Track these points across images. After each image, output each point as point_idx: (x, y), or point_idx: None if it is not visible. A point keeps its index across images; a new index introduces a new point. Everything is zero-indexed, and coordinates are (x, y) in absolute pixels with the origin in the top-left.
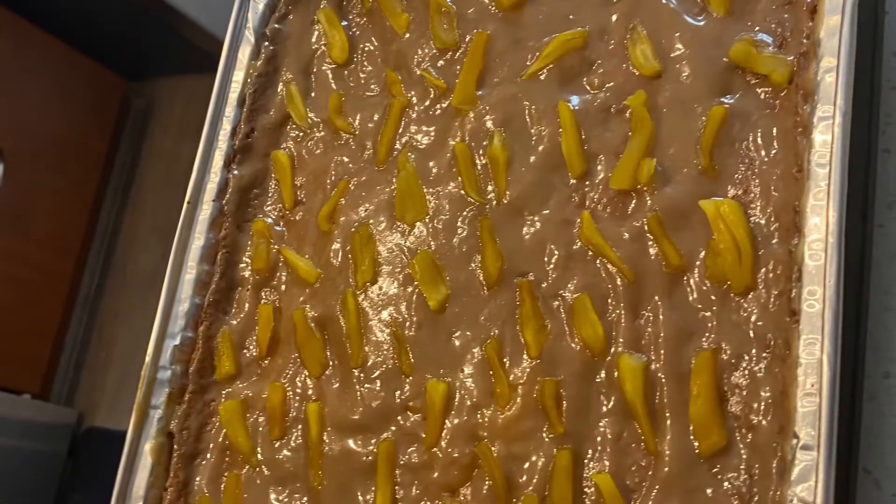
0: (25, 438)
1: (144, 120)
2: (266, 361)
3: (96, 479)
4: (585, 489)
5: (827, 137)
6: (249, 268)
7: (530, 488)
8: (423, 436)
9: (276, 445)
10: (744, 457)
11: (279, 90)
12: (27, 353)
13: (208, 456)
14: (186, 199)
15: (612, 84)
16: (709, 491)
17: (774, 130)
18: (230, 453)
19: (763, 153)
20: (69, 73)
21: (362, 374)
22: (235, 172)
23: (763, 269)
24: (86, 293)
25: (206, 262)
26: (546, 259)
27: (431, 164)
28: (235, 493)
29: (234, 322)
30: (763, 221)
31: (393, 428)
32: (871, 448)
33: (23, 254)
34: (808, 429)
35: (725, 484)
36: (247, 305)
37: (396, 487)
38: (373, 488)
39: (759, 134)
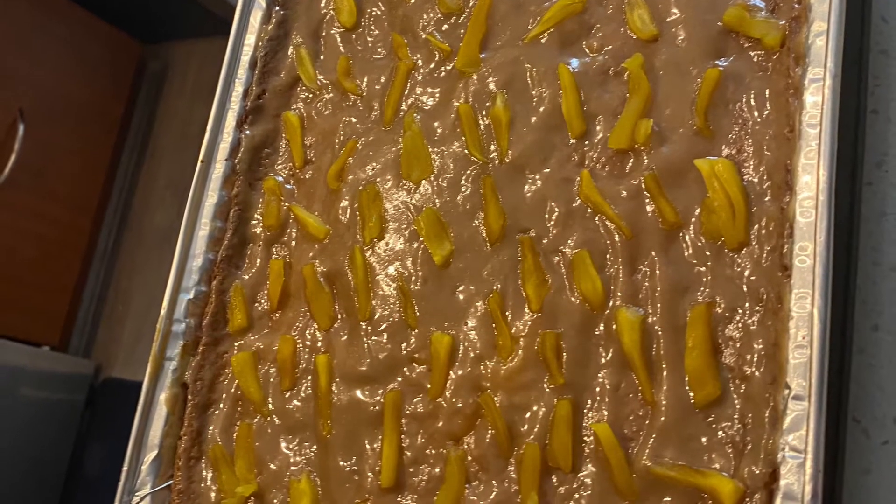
0: (44, 389)
1: (159, 82)
2: (277, 315)
3: (113, 429)
4: (585, 438)
5: (817, 99)
6: (261, 224)
7: (531, 437)
8: (429, 386)
9: (287, 396)
10: (737, 406)
11: (289, 53)
12: (46, 306)
13: (221, 406)
14: (200, 158)
15: (610, 47)
16: (703, 439)
17: (767, 92)
18: (242, 403)
19: (756, 114)
20: (87, 37)
21: (369, 327)
22: (247, 132)
23: (756, 226)
24: (103, 249)
25: (219, 218)
26: (547, 216)
27: (436, 124)
28: (247, 441)
29: (246, 277)
30: (756, 180)
31: (399, 379)
32: (859, 398)
33: (42, 211)
34: (799, 379)
35: (720, 433)
36: (258, 261)
37: (402, 436)
38: (379, 437)
39: (752, 95)
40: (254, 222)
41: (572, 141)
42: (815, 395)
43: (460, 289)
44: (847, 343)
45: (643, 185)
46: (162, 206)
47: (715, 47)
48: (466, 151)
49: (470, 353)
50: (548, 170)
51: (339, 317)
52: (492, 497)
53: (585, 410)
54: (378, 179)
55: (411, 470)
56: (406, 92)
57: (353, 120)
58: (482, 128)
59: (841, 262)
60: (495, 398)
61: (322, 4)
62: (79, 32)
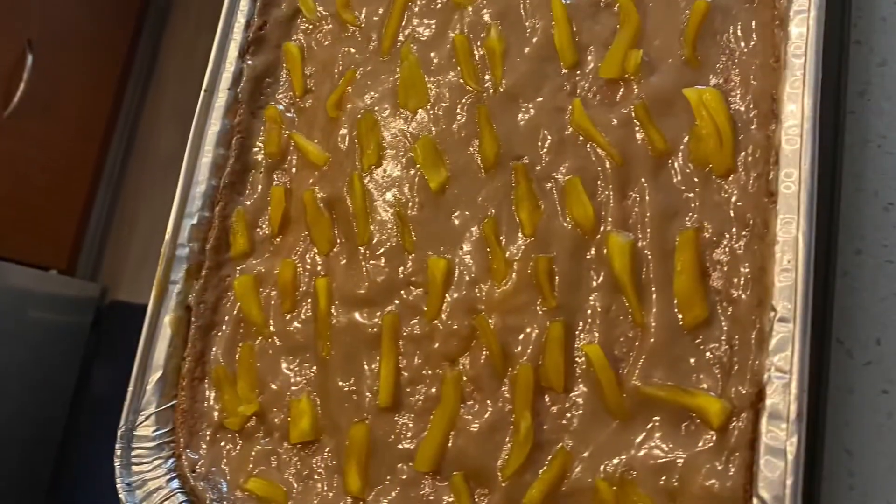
0: (52, 312)
1: (164, 13)
2: (278, 239)
3: (118, 350)
4: (577, 359)
5: (802, 30)
6: (262, 152)
7: (525, 358)
8: (425, 309)
9: (287, 318)
10: (724, 328)
11: None
12: (54, 231)
13: (224, 328)
14: (203, 87)
15: None
16: (692, 360)
17: (753, 23)
18: (244, 325)
19: (742, 44)
20: None
21: (368, 252)
22: (249, 62)
23: (742, 153)
24: (109, 175)
25: (222, 146)
26: (540, 143)
27: (432, 54)
28: (249, 362)
29: (248, 202)
30: (742, 108)
31: (396, 301)
32: (843, 320)
33: (50, 139)
34: (784, 302)
35: (707, 354)
36: (260, 187)
37: (399, 357)
38: (377, 358)
39: (738, 26)
40: (255, 150)
41: (564, 71)
42: (800, 317)
43: (456, 214)
44: (831, 266)
45: (633, 114)
46: (166, 133)
47: None
48: (462, 81)
49: (465, 276)
50: (541, 99)
51: (339, 241)
52: (486, 416)
53: (577, 332)
54: (376, 108)
55: (408, 390)
56: (403, 23)
57: (352, 50)
58: (477, 58)
59: (825, 189)
60: (490, 320)
61: None
62: None
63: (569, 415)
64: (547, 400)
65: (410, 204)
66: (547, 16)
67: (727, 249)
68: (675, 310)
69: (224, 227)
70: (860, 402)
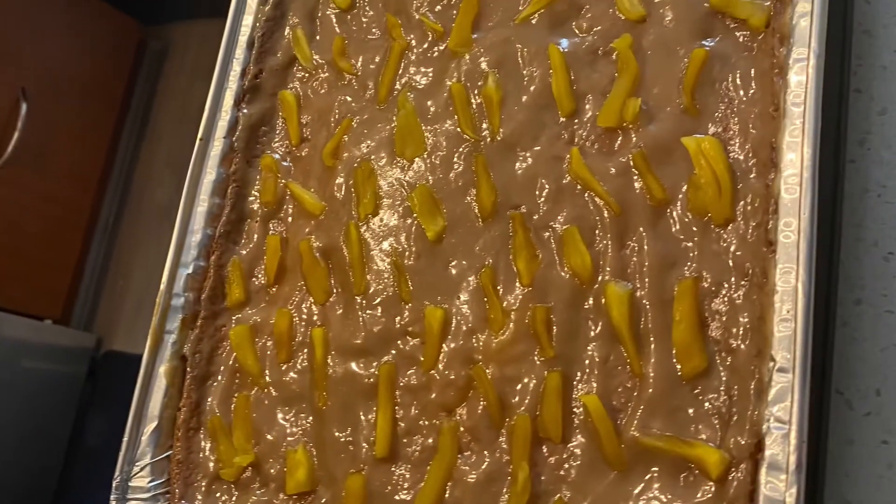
0: (47, 361)
1: (160, 61)
2: (274, 289)
3: (114, 400)
4: (574, 409)
5: (802, 78)
6: (258, 201)
7: (522, 408)
8: (422, 359)
9: (283, 368)
10: (723, 378)
11: (286, 34)
12: (49, 281)
13: (219, 378)
14: (199, 135)
15: (599, 28)
16: (690, 411)
17: (752, 71)
18: (240, 375)
19: (742, 93)
20: (89, 18)
21: (364, 301)
22: (245, 111)
23: (741, 202)
24: (104, 224)
25: (218, 195)
26: (537, 192)
27: (429, 102)
28: (245, 412)
29: (244, 252)
30: (742, 157)
31: (393, 351)
32: (842, 370)
33: (45, 188)
34: (784, 352)
35: (706, 404)
36: (256, 236)
37: (396, 407)
38: (374, 408)
39: (737, 75)
40: (251, 199)
41: (562, 119)
42: (800, 367)
43: (453, 263)
44: (831, 316)
45: (631, 163)
46: (162, 182)
47: (702, 28)
48: (459, 129)
49: (462, 326)
50: (538, 147)
51: (335, 291)
52: (484, 467)
53: (575, 382)
54: (372, 157)
55: (405, 440)
56: (400, 71)
57: (349, 99)
58: (474, 106)
59: (825, 238)
60: (487, 370)
61: None
62: (81, 13)
63: (567, 465)
64: (545, 450)
65: (407, 253)
66: (544, 64)
67: (726, 299)
68: (674, 360)
69: (220, 277)
70: (860, 452)
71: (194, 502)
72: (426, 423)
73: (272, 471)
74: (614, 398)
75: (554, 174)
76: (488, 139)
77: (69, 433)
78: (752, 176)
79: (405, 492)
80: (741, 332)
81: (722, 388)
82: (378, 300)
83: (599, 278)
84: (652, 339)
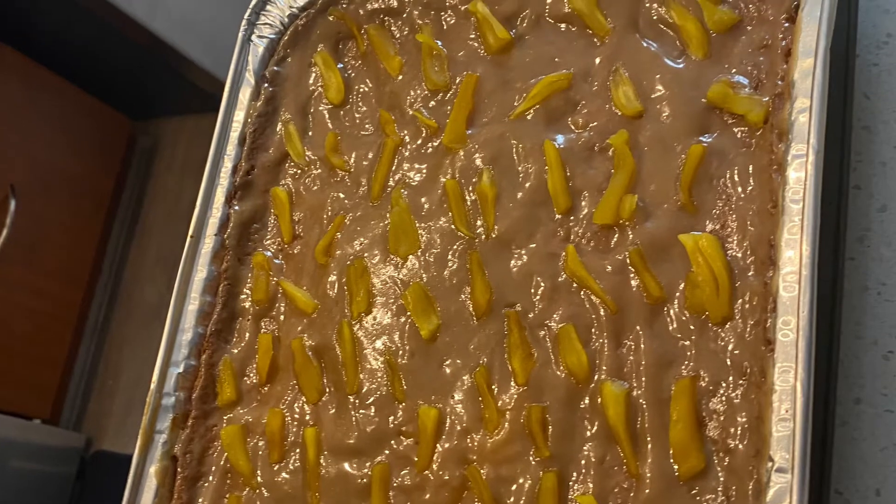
0: (36, 462)
1: (149, 157)
2: (265, 388)
3: (104, 501)
4: None
5: (800, 174)
6: (250, 299)
7: None
8: (416, 459)
9: (276, 468)
10: (721, 479)
11: (278, 129)
12: (38, 379)
13: (210, 478)
14: (190, 233)
15: (595, 124)
16: None
17: (750, 168)
18: (231, 476)
19: (740, 189)
20: (78, 113)
21: (357, 401)
22: (236, 208)
23: (739, 300)
24: (94, 322)
25: (209, 293)
26: (533, 290)
27: (423, 199)
28: None
29: (235, 351)
30: (740, 254)
31: (387, 451)
32: (842, 471)
33: (34, 285)
34: (782, 452)
35: None
36: (247, 335)
37: None
38: None
39: (735, 171)
40: (243, 297)
41: (558, 216)
42: (799, 467)
43: (447, 362)
44: (830, 416)
45: (628, 260)
46: (152, 280)
47: (699, 123)
48: (453, 227)
49: (457, 426)
50: (534, 245)
51: (328, 390)
52: None
53: (571, 483)
54: (366, 254)
55: None
56: (393, 168)
57: (341, 195)
58: (469, 203)
59: (824, 336)
60: (482, 471)
61: (310, 81)
62: (70, 108)
63: None
64: None
65: (401, 352)
66: (540, 160)
67: (724, 398)
68: (671, 460)
69: (211, 376)
70: None
71: None
72: None
73: None
74: (611, 499)
75: (549, 272)
76: (483, 236)
77: None
78: (750, 274)
79: None
80: (739, 432)
81: (720, 489)
82: (371, 399)
83: (595, 377)
84: (649, 438)
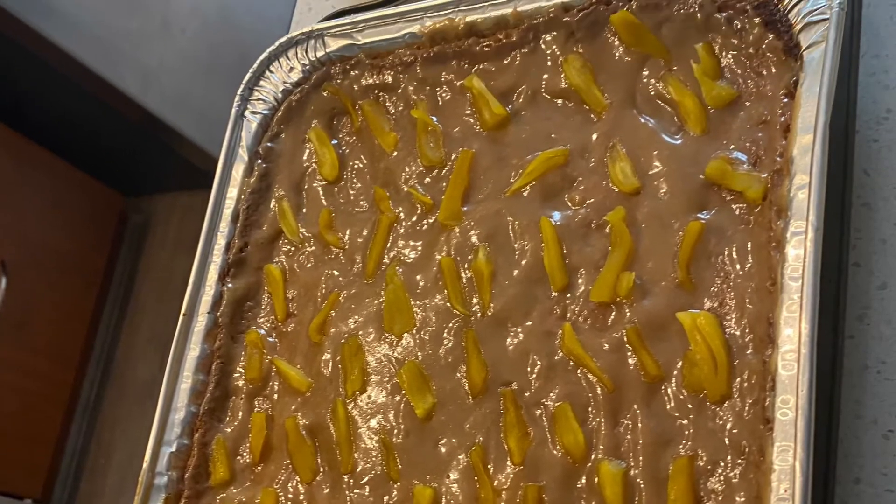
0: None
1: (142, 234)
2: (259, 467)
3: None
4: None
5: (800, 252)
6: (243, 377)
7: None
8: None
9: None
10: None
11: (272, 206)
12: (29, 459)
13: None
14: (182, 311)
15: (592, 200)
16: None
17: (749, 245)
18: None
19: (738, 267)
20: (69, 189)
21: (352, 480)
22: (229, 285)
23: (738, 379)
24: (85, 401)
25: (202, 371)
26: (529, 369)
27: (418, 277)
28: None
29: (229, 430)
30: (738, 332)
31: None
32: None
33: (24, 363)
34: None
35: None
36: (240, 413)
37: None
38: None
39: (734, 248)
40: (236, 375)
41: (554, 294)
42: None
43: (442, 442)
44: (829, 496)
45: (625, 339)
46: (144, 358)
47: (697, 200)
48: (448, 304)
49: None
50: (530, 323)
51: (322, 470)
52: None
53: None
54: (360, 332)
55: None
56: (388, 245)
57: (336, 273)
58: (464, 281)
59: (823, 415)
60: None
61: (304, 158)
62: (62, 185)
63: None
64: None
65: (396, 431)
66: (536, 237)
67: (722, 478)
68: None
69: (203, 455)
70: None
71: None
72: None
73: None
74: None
75: (546, 350)
76: (479, 314)
77: None
78: (748, 352)
79: None
80: None
81: None
82: (366, 479)
83: (592, 457)
84: None
